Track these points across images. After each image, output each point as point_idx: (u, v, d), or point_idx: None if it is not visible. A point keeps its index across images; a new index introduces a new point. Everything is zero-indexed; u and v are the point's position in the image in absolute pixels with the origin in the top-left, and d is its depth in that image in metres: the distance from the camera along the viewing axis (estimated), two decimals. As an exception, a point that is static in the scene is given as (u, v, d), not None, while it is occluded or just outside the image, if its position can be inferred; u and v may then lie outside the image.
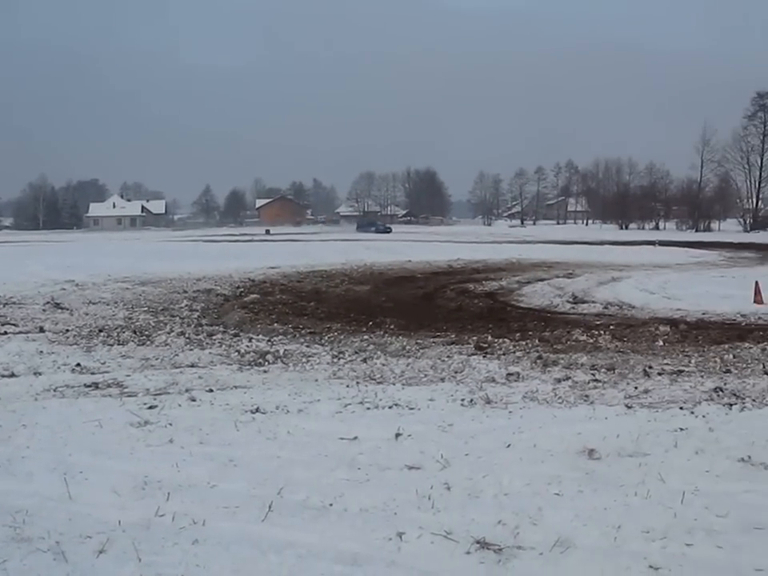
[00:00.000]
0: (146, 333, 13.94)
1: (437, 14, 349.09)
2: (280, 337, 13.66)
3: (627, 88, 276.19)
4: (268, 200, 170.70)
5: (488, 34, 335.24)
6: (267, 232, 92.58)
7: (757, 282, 18.47)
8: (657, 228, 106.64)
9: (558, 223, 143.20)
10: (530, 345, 12.58)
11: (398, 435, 7.23)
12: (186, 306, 18.21)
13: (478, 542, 4.89)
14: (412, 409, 8.38)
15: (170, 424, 7.71)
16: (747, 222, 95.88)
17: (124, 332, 13.99)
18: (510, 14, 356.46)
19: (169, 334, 13.73)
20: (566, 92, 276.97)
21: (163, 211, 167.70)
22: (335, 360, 11.38)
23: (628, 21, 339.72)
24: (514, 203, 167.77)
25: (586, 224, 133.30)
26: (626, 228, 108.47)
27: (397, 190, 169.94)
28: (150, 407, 8.40)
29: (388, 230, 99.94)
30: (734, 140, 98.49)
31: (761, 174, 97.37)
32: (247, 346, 12.49)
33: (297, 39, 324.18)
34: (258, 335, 13.73)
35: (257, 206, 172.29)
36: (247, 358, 11.55)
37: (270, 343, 12.84)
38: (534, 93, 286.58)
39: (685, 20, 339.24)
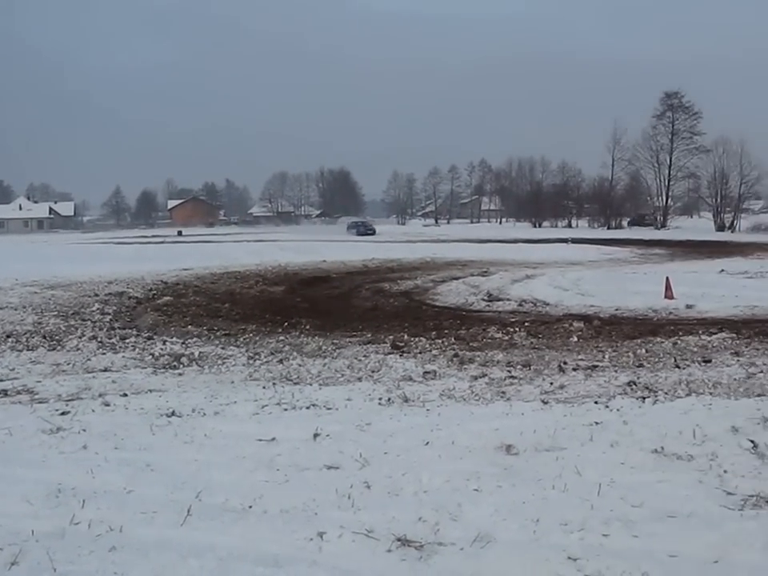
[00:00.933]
0: (57, 337, 13.67)
1: (356, 13, 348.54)
2: (195, 339, 13.52)
3: (540, 88, 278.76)
4: (180, 201, 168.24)
5: (405, 35, 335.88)
6: (179, 233, 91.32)
7: (667, 278, 18.90)
8: (569, 226, 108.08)
9: (472, 222, 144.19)
10: (446, 343, 12.68)
11: (316, 435, 7.21)
12: (98, 309, 17.86)
13: (399, 540, 4.89)
14: (330, 409, 8.37)
15: (84, 430, 7.56)
16: (658, 219, 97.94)
17: (33, 337, 13.68)
18: (428, 16, 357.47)
19: (80, 338, 13.48)
20: (479, 92, 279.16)
21: (72, 213, 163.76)
22: (251, 361, 11.32)
23: (542, 24, 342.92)
24: (428, 202, 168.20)
25: (500, 222, 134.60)
26: (540, 226, 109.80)
27: (310, 189, 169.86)
28: (63, 413, 8.23)
29: (370, 232, 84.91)
30: (644, 139, 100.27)
31: (670, 172, 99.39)
32: (161, 349, 12.34)
33: (202, 39, 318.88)
34: (172, 338, 13.57)
35: (169, 207, 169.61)
36: (162, 361, 11.42)
37: (184, 346, 12.70)
38: (450, 93, 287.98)
39: (596, 23, 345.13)
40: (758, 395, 8.73)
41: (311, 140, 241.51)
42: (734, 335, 12.99)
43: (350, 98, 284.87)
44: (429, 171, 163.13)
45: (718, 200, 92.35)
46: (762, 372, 10.03)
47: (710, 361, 10.88)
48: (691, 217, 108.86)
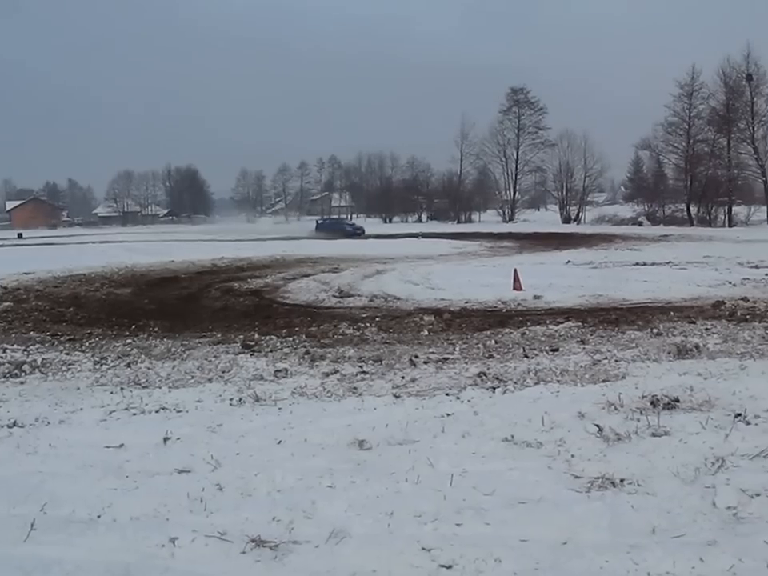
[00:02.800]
0: None
1: (198, 6, 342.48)
2: (37, 345, 13.00)
3: (387, 83, 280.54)
4: (20, 202, 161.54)
5: (254, 26, 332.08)
6: (20, 236, 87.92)
7: (515, 270, 19.38)
8: (420, 220, 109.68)
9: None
10: (297, 341, 12.62)
11: (166, 439, 7.05)
12: (-69, 318, 17.02)
13: (253, 541, 4.83)
14: (180, 411, 8.21)
15: None
16: (506, 212, 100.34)
17: None
18: (277, 8, 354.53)
19: None
20: (328, 88, 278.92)
21: None
22: (98, 366, 10.97)
23: (393, 24, 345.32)
24: (278, 200, 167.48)
25: (351, 218, 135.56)
26: (390, 221, 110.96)
27: (157, 188, 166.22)
28: None
29: (359, 233, 68.48)
30: (491, 134, 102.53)
31: (517, 166, 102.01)
32: (1, 357, 11.82)
33: (35, 31, 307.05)
34: (12, 345, 12.99)
35: (7, 208, 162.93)
36: (1, 370, 10.94)
37: (26, 353, 12.20)
38: (297, 89, 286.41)
39: (443, 19, 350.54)
40: (603, 381, 9.03)
41: (157, 137, 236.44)
42: (580, 324, 13.43)
43: (194, 93, 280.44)
44: (278, 168, 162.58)
45: (564, 193, 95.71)
46: (606, 359, 10.38)
47: (557, 349, 11.18)
48: (538, 210, 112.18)
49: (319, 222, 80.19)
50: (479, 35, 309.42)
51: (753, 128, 75.34)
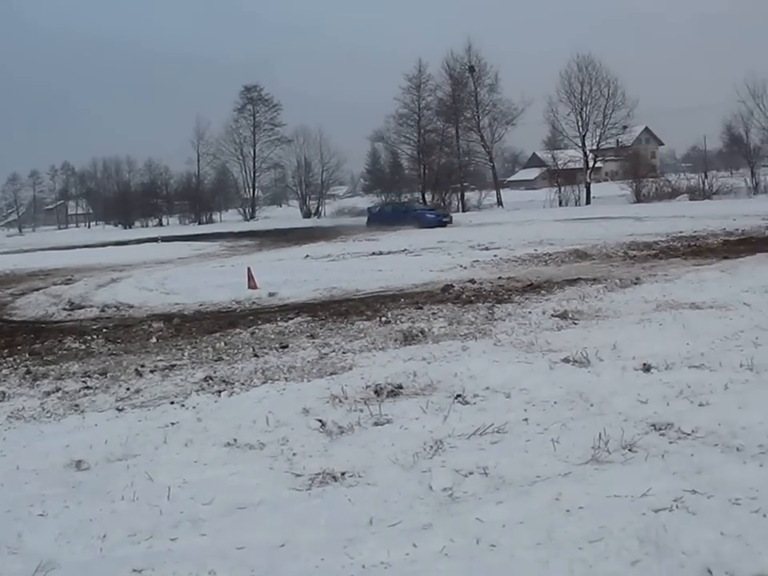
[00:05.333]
0: None
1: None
2: None
3: (120, 84, 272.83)
4: None
5: None
6: None
7: (249, 268, 19.33)
8: (161, 224, 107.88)
9: (60, 228, 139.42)
10: (18, 360, 11.84)
11: None
12: None
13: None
14: None
15: None
16: (247, 210, 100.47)
17: None
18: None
19: None
20: (56, 88, 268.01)
21: None
22: None
23: (120, 18, 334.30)
24: (10, 211, 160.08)
25: (89, 226, 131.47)
26: (130, 227, 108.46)
27: None
28: None
29: (446, 221, 49.97)
30: (227, 132, 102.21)
31: (255, 163, 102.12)
32: None
33: None
34: None
35: None
36: None
37: None
38: (25, 92, 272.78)
39: (175, 15, 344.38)
40: (331, 374, 9.10)
41: None
42: (310, 318, 13.53)
43: None
44: (7, 178, 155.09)
45: (303, 188, 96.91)
46: (333, 351, 10.49)
47: (287, 346, 11.19)
48: (280, 206, 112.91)
49: (373, 210, 59.25)
50: (212, 34, 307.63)
51: (478, 117, 79.94)
